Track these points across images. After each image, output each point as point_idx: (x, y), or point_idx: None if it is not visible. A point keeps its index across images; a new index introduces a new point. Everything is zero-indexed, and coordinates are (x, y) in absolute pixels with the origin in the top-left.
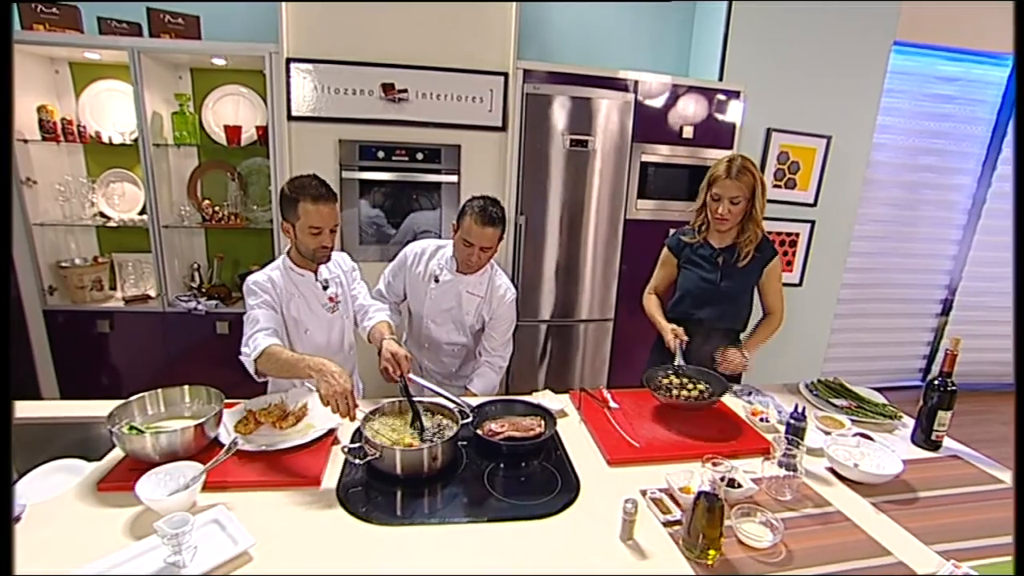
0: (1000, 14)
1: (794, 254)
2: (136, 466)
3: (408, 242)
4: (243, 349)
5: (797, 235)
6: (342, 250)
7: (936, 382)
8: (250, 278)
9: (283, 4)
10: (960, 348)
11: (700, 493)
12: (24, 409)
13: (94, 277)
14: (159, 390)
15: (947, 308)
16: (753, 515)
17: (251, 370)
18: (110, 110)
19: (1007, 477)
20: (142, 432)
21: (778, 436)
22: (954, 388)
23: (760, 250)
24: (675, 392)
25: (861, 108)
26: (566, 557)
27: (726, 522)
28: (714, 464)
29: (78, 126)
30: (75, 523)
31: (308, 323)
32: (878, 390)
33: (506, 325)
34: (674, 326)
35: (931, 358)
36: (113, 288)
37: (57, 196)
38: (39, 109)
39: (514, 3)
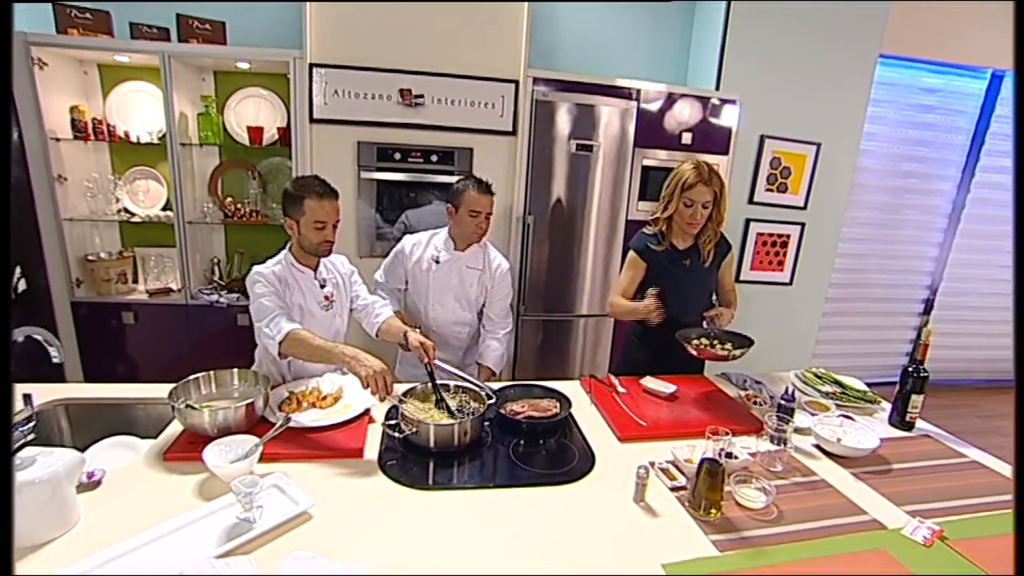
0: (978, 30)
1: (785, 255)
2: (194, 439)
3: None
4: (264, 331)
5: (788, 236)
6: (357, 248)
7: (910, 369)
8: (255, 268)
9: (307, 11)
10: (931, 340)
11: (703, 460)
12: (75, 391)
13: (119, 270)
14: (212, 372)
15: (928, 308)
16: (749, 482)
17: (273, 352)
18: (135, 110)
19: (970, 452)
20: (199, 409)
21: (770, 415)
22: (926, 375)
23: (717, 246)
24: (708, 350)
25: (849, 117)
26: (587, 515)
27: (725, 488)
28: (715, 436)
29: (107, 126)
30: (150, 486)
31: (304, 317)
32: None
33: (503, 296)
34: (708, 311)
35: (913, 355)
36: (136, 281)
37: (85, 192)
38: (72, 109)
39: (526, 12)
